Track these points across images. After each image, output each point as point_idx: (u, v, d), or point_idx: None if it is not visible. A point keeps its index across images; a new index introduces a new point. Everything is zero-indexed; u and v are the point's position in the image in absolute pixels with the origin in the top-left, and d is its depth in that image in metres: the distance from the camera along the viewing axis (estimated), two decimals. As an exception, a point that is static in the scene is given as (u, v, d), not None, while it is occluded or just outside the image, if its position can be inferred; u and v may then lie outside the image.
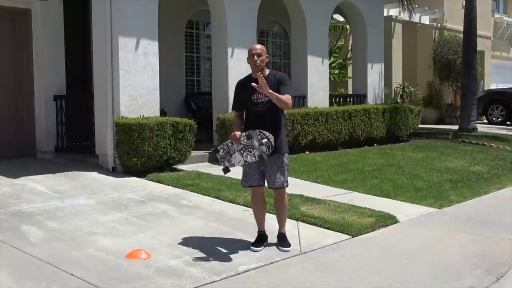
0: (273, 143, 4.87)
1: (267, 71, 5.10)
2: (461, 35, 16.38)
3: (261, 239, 5.16)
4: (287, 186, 5.14)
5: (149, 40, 8.68)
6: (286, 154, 5.09)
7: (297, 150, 10.03)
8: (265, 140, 4.84)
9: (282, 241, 5.14)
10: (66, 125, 9.36)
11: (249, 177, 5.08)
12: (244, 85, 5.11)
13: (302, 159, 9.63)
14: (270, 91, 4.80)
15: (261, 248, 5.05)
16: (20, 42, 9.44)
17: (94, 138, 8.79)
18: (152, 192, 7.25)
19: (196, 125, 8.75)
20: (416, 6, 17.64)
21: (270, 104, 4.97)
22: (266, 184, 5.13)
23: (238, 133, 4.96)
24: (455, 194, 7.58)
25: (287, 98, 4.89)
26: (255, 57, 5.00)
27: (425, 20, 19.67)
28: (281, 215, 5.26)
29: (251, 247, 5.05)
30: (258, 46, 5.10)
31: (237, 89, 5.25)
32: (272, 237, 5.28)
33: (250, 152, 4.92)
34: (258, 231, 5.23)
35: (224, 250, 5.03)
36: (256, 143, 4.87)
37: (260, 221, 5.26)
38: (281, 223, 5.25)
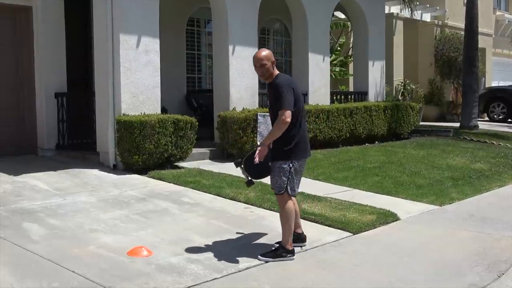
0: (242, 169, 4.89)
1: (275, 75, 4.89)
2: (463, 33, 16.36)
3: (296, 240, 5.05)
4: (282, 193, 4.82)
5: (150, 37, 8.67)
6: (290, 161, 4.79)
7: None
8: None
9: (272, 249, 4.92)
10: (67, 123, 9.36)
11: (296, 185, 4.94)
12: None
13: (303, 156, 9.62)
14: (265, 143, 4.72)
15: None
16: (21, 39, 9.44)
17: (95, 136, 8.79)
18: (153, 189, 7.25)
19: (197, 123, 8.75)
20: (418, 3, 17.63)
21: (272, 109, 4.92)
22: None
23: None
24: (456, 192, 7.58)
25: (278, 125, 4.66)
26: (257, 71, 4.90)
27: (427, 17, 19.66)
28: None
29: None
30: (260, 55, 4.85)
31: None
32: (271, 238, 5.28)
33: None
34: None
35: (225, 248, 5.03)
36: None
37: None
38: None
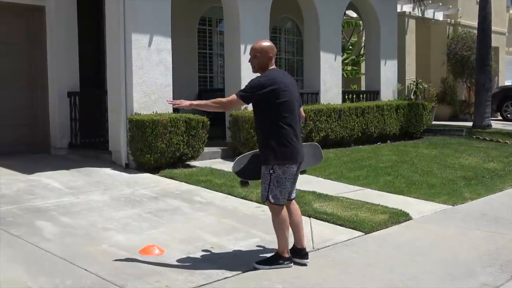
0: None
1: (268, 70, 4.53)
2: (475, 31, 16.24)
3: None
4: (265, 200, 4.53)
5: (162, 36, 8.70)
6: (270, 166, 4.44)
7: (309, 146, 10.01)
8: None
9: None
10: (80, 122, 9.42)
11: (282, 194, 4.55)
12: None
13: (315, 155, 9.61)
14: (191, 102, 4.51)
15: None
16: (34, 39, 9.50)
17: (108, 135, 8.84)
18: (165, 188, 7.28)
19: (209, 122, 8.76)
20: (430, 1, 17.53)
21: (254, 108, 4.58)
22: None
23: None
24: (468, 191, 7.53)
25: (215, 100, 4.48)
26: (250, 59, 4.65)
27: (439, 16, 19.53)
28: None
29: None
30: (255, 46, 4.58)
31: None
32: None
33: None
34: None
35: (236, 247, 5.04)
36: None
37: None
38: None
